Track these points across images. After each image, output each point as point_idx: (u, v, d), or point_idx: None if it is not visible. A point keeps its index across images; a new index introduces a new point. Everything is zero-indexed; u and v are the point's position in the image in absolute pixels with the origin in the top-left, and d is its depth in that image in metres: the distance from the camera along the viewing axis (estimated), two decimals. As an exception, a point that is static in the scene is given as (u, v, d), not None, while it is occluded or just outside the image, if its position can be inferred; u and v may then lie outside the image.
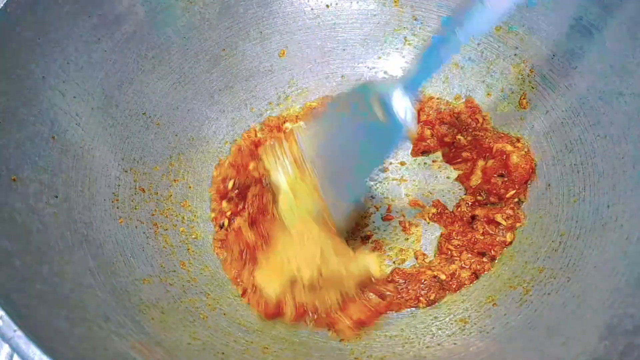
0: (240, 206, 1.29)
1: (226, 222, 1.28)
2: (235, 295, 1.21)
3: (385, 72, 1.47)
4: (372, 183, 1.38)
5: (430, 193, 1.36)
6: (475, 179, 1.33)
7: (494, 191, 1.28)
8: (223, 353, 1.06)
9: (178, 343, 1.04)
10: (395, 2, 1.44)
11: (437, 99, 1.43)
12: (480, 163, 1.34)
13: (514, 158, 1.28)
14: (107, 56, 1.23)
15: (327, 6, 1.46)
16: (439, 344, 1.12)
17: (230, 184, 1.30)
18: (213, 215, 1.32)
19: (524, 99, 1.32)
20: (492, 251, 1.23)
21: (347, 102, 1.20)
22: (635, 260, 0.98)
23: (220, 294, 1.19)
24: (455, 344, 1.10)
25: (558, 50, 1.25)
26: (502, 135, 1.34)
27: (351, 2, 1.46)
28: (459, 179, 1.37)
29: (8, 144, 1.03)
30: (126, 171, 1.23)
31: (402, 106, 1.11)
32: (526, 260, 1.17)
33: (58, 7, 1.14)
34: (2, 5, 1.05)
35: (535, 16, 1.28)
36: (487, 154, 1.33)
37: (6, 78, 1.06)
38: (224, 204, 1.32)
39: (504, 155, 1.29)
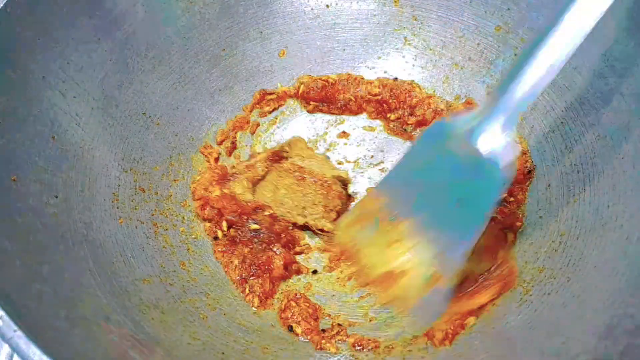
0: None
1: (220, 233, 1.28)
2: (235, 295, 1.20)
3: (385, 72, 1.47)
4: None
5: None
6: None
7: None
8: (223, 353, 1.06)
9: (178, 343, 1.04)
10: (395, 2, 1.44)
11: (437, 97, 1.43)
12: None
13: None
14: (107, 56, 1.23)
15: (327, 6, 1.46)
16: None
17: (225, 226, 1.29)
18: (183, 228, 1.30)
19: None
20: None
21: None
22: (635, 260, 0.98)
23: (220, 294, 1.19)
24: (455, 344, 1.10)
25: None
26: None
27: (351, 2, 1.46)
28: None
29: (8, 144, 1.03)
30: (126, 171, 1.23)
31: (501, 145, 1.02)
32: (526, 260, 1.17)
33: (58, 7, 1.15)
34: (2, 5, 1.05)
35: (535, 16, 1.28)
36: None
37: (6, 78, 1.06)
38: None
39: None
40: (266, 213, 1.29)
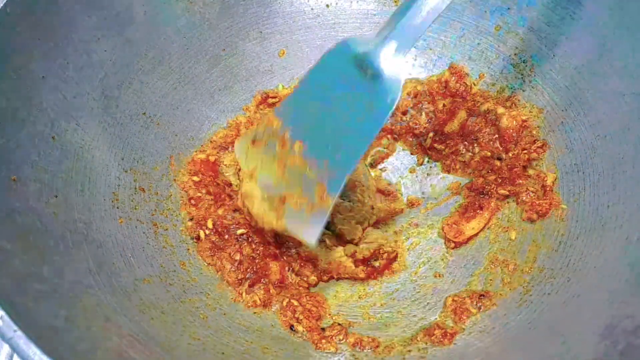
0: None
1: (202, 233, 1.27)
2: (235, 295, 1.20)
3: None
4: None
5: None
6: (451, 126, 1.34)
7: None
8: (223, 353, 1.06)
9: (178, 343, 1.04)
10: (395, 1, 1.43)
11: (408, 81, 1.44)
12: (462, 114, 1.35)
13: (504, 121, 1.28)
14: (107, 56, 1.23)
15: (327, 6, 1.46)
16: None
17: (210, 224, 1.28)
18: (183, 228, 1.29)
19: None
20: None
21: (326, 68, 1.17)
22: (635, 260, 0.98)
23: (220, 294, 1.19)
24: (455, 344, 1.10)
25: (558, 50, 1.25)
26: (490, 95, 1.35)
27: (351, 2, 1.46)
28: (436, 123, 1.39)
29: (8, 144, 1.03)
30: (126, 171, 1.23)
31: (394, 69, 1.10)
32: (526, 260, 1.17)
33: (58, 7, 1.14)
34: (2, 5, 1.05)
35: (535, 16, 1.28)
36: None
37: (6, 78, 1.06)
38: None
39: (495, 116, 1.30)
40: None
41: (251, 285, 1.21)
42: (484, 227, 1.26)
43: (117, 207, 1.17)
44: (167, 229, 1.23)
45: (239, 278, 1.22)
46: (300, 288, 1.24)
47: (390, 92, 1.11)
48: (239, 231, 1.26)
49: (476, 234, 1.26)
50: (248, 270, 1.22)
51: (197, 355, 1.04)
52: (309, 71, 1.17)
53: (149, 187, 1.25)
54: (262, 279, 1.22)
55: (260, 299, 1.20)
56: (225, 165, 1.35)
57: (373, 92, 1.12)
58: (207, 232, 1.27)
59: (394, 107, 1.11)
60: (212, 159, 1.34)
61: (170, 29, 1.33)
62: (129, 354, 0.94)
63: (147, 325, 1.02)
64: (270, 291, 1.21)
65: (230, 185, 1.33)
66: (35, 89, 1.10)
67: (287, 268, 1.25)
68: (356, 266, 1.24)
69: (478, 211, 1.26)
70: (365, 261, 1.26)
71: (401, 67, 1.10)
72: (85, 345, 0.90)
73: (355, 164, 1.12)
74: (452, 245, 1.26)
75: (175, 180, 1.30)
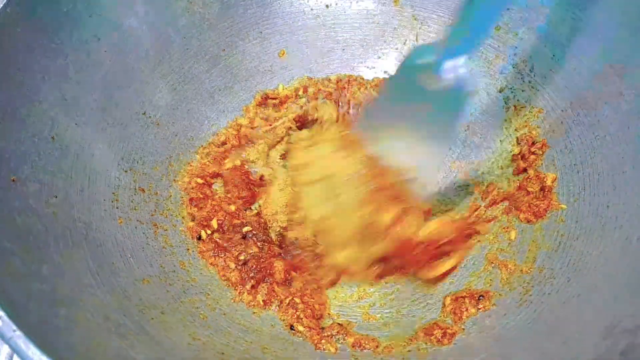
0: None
1: (204, 233, 1.27)
2: (234, 295, 1.20)
3: (385, 72, 1.47)
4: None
5: None
6: None
7: None
8: (223, 353, 1.06)
9: (178, 343, 1.04)
10: (395, 2, 1.43)
11: None
12: None
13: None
14: (106, 56, 1.23)
15: (327, 6, 1.46)
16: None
17: (215, 223, 1.28)
18: (183, 228, 1.28)
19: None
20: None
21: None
22: (635, 260, 0.98)
23: (220, 294, 1.19)
24: (455, 344, 1.10)
25: (558, 50, 1.25)
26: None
27: (351, 2, 1.46)
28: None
29: (8, 144, 1.03)
30: (126, 171, 1.23)
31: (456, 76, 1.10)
32: (526, 261, 1.17)
33: (58, 7, 1.14)
34: (2, 5, 1.05)
35: (534, 16, 1.28)
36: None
37: (6, 78, 1.06)
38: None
39: None
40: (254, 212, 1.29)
41: (255, 286, 1.21)
42: (457, 265, 1.25)
43: (117, 207, 1.17)
44: (166, 229, 1.23)
45: (242, 278, 1.22)
46: (308, 289, 1.23)
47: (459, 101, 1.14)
48: (245, 229, 1.27)
49: (452, 269, 1.25)
50: (253, 269, 1.22)
51: (197, 355, 1.03)
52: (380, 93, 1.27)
53: (148, 187, 1.25)
54: (267, 278, 1.22)
55: (262, 299, 1.20)
56: (253, 161, 1.35)
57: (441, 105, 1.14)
58: (209, 232, 1.27)
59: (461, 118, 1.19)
60: (237, 163, 1.34)
61: (170, 29, 1.33)
62: (129, 354, 0.94)
63: (147, 325, 1.02)
64: (275, 290, 1.21)
65: (262, 179, 1.34)
66: (35, 89, 1.10)
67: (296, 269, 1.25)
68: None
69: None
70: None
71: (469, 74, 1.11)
72: (85, 345, 0.90)
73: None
74: (432, 282, 1.25)
75: (175, 180, 1.30)
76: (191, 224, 1.27)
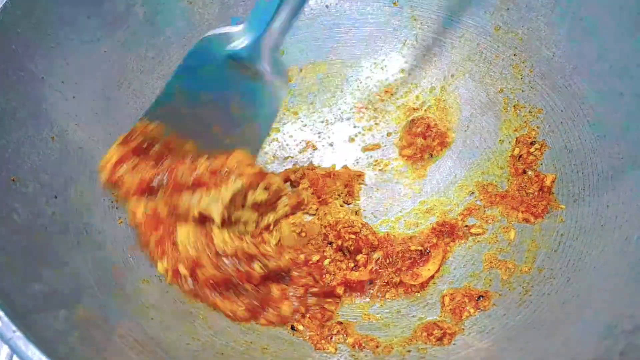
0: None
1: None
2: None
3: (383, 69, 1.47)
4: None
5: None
6: None
7: None
8: (222, 353, 1.06)
9: (178, 343, 1.04)
10: (394, 2, 1.43)
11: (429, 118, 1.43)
12: None
13: None
14: (106, 56, 1.23)
15: (327, 6, 1.46)
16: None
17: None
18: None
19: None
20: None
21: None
22: (635, 260, 0.98)
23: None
24: (454, 344, 1.10)
25: (557, 50, 1.25)
26: None
27: (351, 3, 1.46)
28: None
29: (8, 144, 1.03)
30: (126, 172, 1.22)
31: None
32: (525, 261, 1.17)
33: (58, 7, 1.14)
34: (2, 5, 1.05)
35: (534, 17, 1.28)
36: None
37: (6, 78, 1.06)
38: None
39: None
40: None
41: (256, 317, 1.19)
42: (440, 266, 1.25)
43: (117, 208, 1.17)
44: (166, 230, 1.23)
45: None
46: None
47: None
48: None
49: (436, 272, 1.25)
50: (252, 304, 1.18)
51: (196, 356, 1.04)
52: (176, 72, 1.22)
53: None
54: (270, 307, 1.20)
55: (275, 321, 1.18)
56: None
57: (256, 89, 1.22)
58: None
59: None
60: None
61: (169, 30, 1.33)
62: (128, 355, 0.94)
63: (147, 326, 1.02)
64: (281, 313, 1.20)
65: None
66: (35, 89, 1.10)
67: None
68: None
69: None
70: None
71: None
72: (84, 346, 0.90)
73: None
74: (416, 289, 1.25)
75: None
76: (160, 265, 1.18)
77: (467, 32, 1.38)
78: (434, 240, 1.26)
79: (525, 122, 1.30)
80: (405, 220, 1.34)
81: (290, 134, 1.46)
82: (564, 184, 1.20)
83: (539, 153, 1.25)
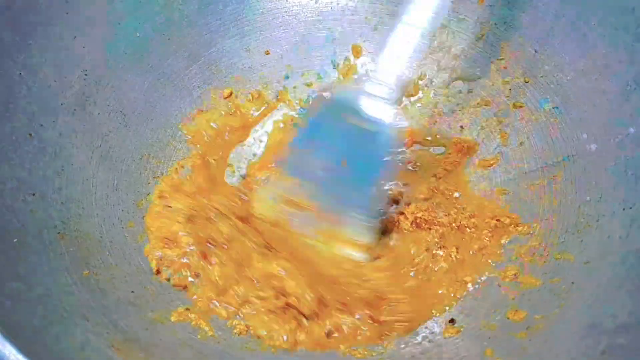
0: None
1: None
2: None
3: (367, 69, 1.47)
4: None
5: None
6: None
7: None
8: (201, 352, 1.05)
9: (156, 340, 1.03)
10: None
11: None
12: None
13: None
14: (84, 53, 1.22)
15: (315, 2, 1.46)
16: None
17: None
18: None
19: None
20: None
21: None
22: (617, 260, 0.98)
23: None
24: (430, 341, 1.10)
25: (540, 47, 1.25)
26: None
27: (337, -1, 1.46)
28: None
29: (-16, 141, 1.02)
30: (104, 169, 1.22)
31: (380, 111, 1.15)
32: (507, 260, 1.17)
33: (36, 4, 1.14)
34: (-23, 1, 1.05)
35: (516, 13, 1.28)
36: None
37: (-17, 75, 1.05)
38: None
39: None
40: None
41: None
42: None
43: (94, 205, 1.17)
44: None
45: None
46: None
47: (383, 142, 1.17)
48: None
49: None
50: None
51: (175, 354, 1.03)
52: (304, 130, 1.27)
53: (126, 185, 1.24)
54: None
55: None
56: None
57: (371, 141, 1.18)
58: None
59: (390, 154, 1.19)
60: None
61: (148, 26, 1.33)
62: (106, 353, 0.93)
63: (125, 324, 1.01)
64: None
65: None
66: (12, 86, 1.10)
67: None
68: None
69: None
70: None
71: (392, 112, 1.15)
72: (63, 344, 0.90)
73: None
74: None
75: (154, 177, 1.29)
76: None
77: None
78: None
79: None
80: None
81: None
82: (546, 182, 1.20)
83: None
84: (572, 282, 1.02)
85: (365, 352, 1.08)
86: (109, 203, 1.20)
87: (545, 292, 1.05)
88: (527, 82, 1.28)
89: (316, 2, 1.45)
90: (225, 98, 1.42)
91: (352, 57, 1.46)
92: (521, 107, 1.28)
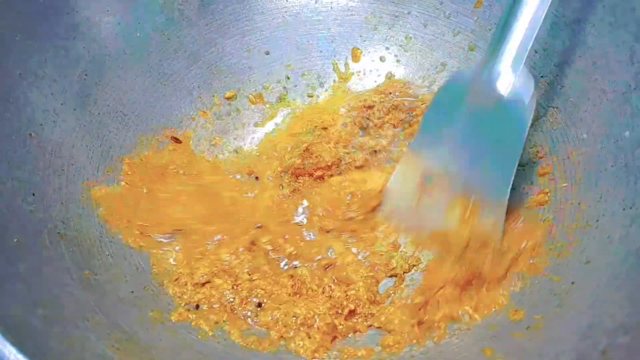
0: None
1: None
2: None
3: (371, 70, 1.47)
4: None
5: None
6: None
7: None
8: (200, 352, 1.05)
9: (156, 340, 1.03)
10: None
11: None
12: None
13: None
14: (85, 53, 1.22)
15: (315, 1, 1.45)
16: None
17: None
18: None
19: None
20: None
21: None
22: (616, 260, 0.98)
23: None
24: (438, 343, 1.10)
25: (539, 47, 1.24)
26: None
27: (336, -2, 1.46)
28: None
29: (-17, 141, 1.02)
30: (104, 169, 1.22)
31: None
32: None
33: (36, 3, 1.14)
34: (-23, 1, 1.05)
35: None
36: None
37: (-18, 75, 1.05)
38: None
39: None
40: None
41: None
42: None
43: (95, 205, 1.17)
44: (145, 227, 1.23)
45: None
46: None
47: (517, 117, 1.11)
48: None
49: None
50: None
51: (176, 353, 1.03)
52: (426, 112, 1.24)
53: (127, 185, 1.24)
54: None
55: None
56: None
57: (499, 121, 1.13)
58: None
59: (526, 132, 1.11)
60: None
61: (148, 26, 1.33)
62: (106, 353, 0.93)
63: (125, 324, 1.01)
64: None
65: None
66: (12, 85, 1.10)
67: None
68: None
69: None
70: None
71: (521, 88, 1.10)
72: (63, 344, 0.90)
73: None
74: None
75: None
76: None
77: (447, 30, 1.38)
78: None
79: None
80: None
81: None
82: (544, 180, 1.20)
83: None
84: (572, 282, 1.02)
85: (366, 352, 1.09)
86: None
87: (545, 292, 1.05)
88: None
89: (316, 2, 1.45)
90: (227, 99, 1.42)
91: (350, 62, 1.46)
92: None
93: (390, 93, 1.41)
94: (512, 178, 1.12)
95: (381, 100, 1.39)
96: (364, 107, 1.39)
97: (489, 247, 1.14)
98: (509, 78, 1.08)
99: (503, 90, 1.09)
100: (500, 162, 1.14)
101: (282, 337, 1.10)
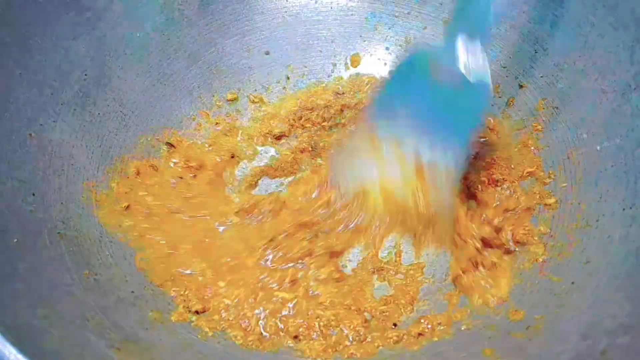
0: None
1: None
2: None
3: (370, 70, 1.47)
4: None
5: None
6: None
7: None
8: (201, 352, 1.05)
9: (156, 340, 1.03)
10: (377, -2, 1.44)
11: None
12: None
13: None
14: (85, 53, 1.22)
15: (315, 1, 1.45)
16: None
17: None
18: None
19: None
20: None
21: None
22: (616, 260, 0.98)
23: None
24: (434, 342, 1.10)
25: (539, 47, 1.24)
26: None
27: (335, -1, 1.46)
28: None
29: (-16, 141, 1.02)
30: (104, 169, 1.22)
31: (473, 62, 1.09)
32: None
33: (35, 3, 1.14)
34: (-22, 1, 1.05)
35: (517, 13, 1.28)
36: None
37: (-18, 75, 1.05)
38: None
39: None
40: None
41: None
42: None
43: (95, 205, 1.17)
44: (145, 227, 1.23)
45: None
46: None
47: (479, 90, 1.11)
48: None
49: None
50: None
51: (176, 353, 1.03)
52: (385, 83, 1.25)
53: (126, 185, 1.24)
54: None
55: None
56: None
57: (460, 95, 1.13)
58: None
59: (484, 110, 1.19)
60: None
61: (148, 26, 1.32)
62: (106, 353, 0.93)
63: (125, 324, 1.01)
64: None
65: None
66: (12, 85, 1.10)
67: None
68: None
69: None
70: None
71: (480, 62, 1.09)
72: (63, 344, 0.90)
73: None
74: None
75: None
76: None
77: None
78: None
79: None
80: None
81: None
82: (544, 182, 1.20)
83: None
84: (572, 282, 1.02)
85: (365, 352, 1.09)
86: (109, 203, 1.20)
87: (545, 292, 1.05)
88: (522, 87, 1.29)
89: (316, 2, 1.45)
90: (228, 100, 1.42)
91: (350, 66, 1.46)
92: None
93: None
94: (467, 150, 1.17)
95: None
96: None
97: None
98: (470, 56, 1.09)
99: (464, 68, 1.09)
100: (455, 134, 1.16)
101: (296, 336, 1.11)
